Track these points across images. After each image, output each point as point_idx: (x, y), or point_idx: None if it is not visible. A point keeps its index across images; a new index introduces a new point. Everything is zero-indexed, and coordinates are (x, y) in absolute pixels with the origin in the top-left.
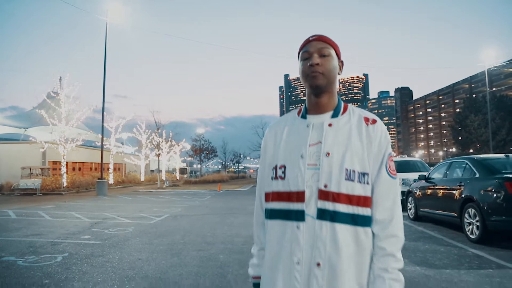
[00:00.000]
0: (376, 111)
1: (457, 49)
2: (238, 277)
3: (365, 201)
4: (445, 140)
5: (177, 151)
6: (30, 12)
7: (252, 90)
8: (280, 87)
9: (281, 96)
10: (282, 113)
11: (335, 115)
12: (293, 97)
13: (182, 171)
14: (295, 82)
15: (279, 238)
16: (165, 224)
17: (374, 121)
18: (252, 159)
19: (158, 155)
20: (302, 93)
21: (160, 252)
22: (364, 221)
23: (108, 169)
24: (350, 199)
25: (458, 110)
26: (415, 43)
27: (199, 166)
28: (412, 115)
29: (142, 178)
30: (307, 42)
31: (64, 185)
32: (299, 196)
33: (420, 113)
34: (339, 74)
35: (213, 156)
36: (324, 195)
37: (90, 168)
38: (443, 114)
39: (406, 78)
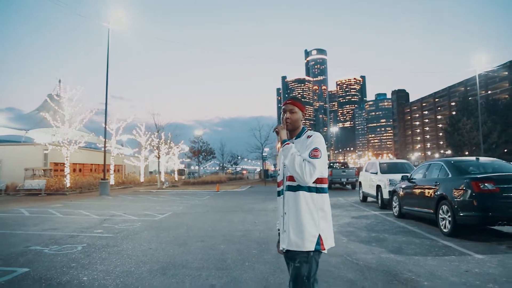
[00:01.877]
0: (373, 113)
1: (453, 52)
2: (237, 262)
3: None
4: (441, 143)
5: (176, 153)
6: (29, 15)
7: (249, 91)
8: (278, 89)
9: (279, 98)
10: (279, 114)
11: (297, 137)
12: None
13: (181, 172)
14: (292, 83)
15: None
16: (169, 220)
17: (310, 136)
18: (249, 160)
19: (158, 157)
20: (299, 95)
21: (167, 243)
22: (298, 188)
23: (109, 170)
24: (291, 178)
25: (454, 113)
26: (413, 45)
27: (197, 167)
28: (409, 117)
29: (142, 179)
30: (285, 103)
31: (67, 186)
32: (282, 182)
33: (417, 115)
34: (301, 119)
35: (211, 157)
36: (288, 178)
37: (90, 169)
38: (439, 117)
39: (403, 80)
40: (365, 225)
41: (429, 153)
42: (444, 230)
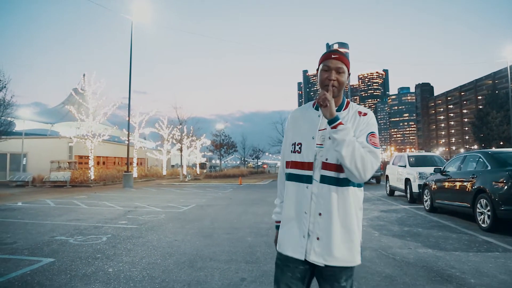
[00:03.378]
0: (396, 107)
1: (480, 44)
2: (267, 255)
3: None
4: (467, 137)
5: (198, 146)
6: (48, 11)
7: (270, 86)
8: (299, 83)
9: (300, 92)
10: None
11: (340, 109)
12: (311, 93)
13: (202, 165)
14: (314, 78)
15: (294, 194)
16: (193, 212)
17: (365, 114)
18: (271, 154)
19: (181, 150)
20: (319, 90)
21: (193, 235)
22: (344, 182)
23: (132, 163)
24: (338, 168)
25: (481, 106)
26: (437, 38)
27: (218, 161)
28: (433, 111)
29: (164, 172)
30: (329, 57)
31: (91, 178)
32: (309, 165)
33: (441, 109)
34: (346, 82)
35: (233, 151)
36: (325, 165)
37: (114, 162)
38: (465, 111)
39: (427, 74)
40: (396, 219)
41: (453, 147)
42: (483, 225)
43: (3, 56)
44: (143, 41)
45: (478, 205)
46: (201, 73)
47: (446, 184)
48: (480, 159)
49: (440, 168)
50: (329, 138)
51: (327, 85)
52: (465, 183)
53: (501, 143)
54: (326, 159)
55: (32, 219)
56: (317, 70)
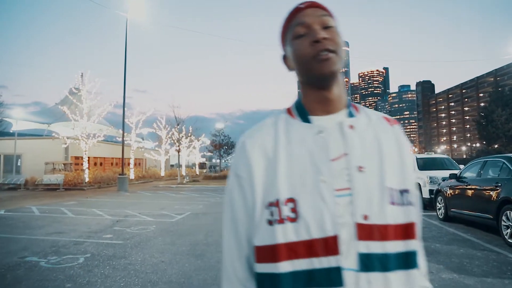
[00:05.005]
0: (396, 105)
1: (481, 42)
2: None
3: (414, 230)
4: (469, 135)
5: (197, 146)
6: (50, 8)
7: (271, 84)
8: (298, 82)
9: (299, 90)
10: None
11: (351, 114)
12: None
13: (202, 166)
14: None
15: None
16: (186, 222)
17: (396, 122)
18: None
19: (178, 151)
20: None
21: (183, 254)
22: (416, 260)
23: (128, 164)
24: (399, 232)
25: (482, 104)
26: (438, 36)
27: (218, 161)
28: (434, 109)
29: (162, 173)
30: (298, 10)
31: (86, 181)
32: (328, 245)
33: (443, 107)
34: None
35: (233, 151)
36: (366, 232)
37: (111, 163)
38: (466, 108)
39: (428, 72)
40: None
41: (455, 146)
42: (510, 240)
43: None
44: (145, 40)
45: (504, 218)
46: (202, 72)
47: (464, 191)
48: (504, 165)
49: (456, 174)
50: (360, 169)
51: (317, 54)
52: (487, 192)
53: (505, 140)
54: (365, 217)
55: (7, 233)
56: (284, 52)
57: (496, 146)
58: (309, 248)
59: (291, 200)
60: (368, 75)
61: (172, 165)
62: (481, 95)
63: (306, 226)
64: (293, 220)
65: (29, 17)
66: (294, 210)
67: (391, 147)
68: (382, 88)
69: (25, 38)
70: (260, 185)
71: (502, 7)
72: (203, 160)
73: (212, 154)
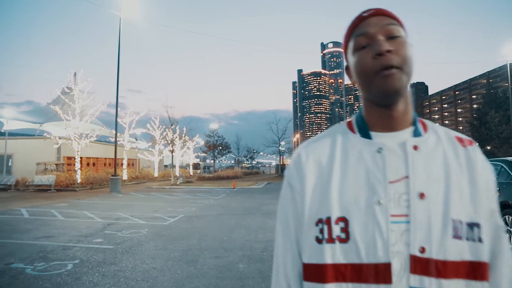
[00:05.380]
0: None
1: (474, 44)
2: None
3: (482, 271)
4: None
5: (191, 147)
6: (43, 7)
7: (265, 85)
8: (294, 82)
9: (294, 91)
10: (295, 108)
11: (417, 133)
12: (306, 92)
13: (196, 166)
14: (308, 77)
15: None
16: (179, 226)
17: (471, 142)
18: (266, 154)
19: (172, 151)
20: (315, 89)
21: (175, 259)
22: None
23: (122, 164)
24: (462, 270)
25: (475, 105)
26: (431, 38)
27: (212, 161)
28: (428, 110)
29: (156, 174)
30: (361, 19)
31: (78, 182)
32: (379, 272)
33: (436, 108)
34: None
35: (226, 152)
36: (421, 266)
37: (104, 164)
38: (459, 110)
39: (421, 73)
40: None
41: None
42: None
43: None
44: (139, 40)
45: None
46: (196, 72)
47: None
48: (502, 168)
49: None
50: (421, 196)
51: (380, 69)
52: None
53: (499, 142)
54: (422, 249)
55: None
56: (346, 64)
57: (489, 147)
58: (359, 272)
59: (343, 219)
60: None
61: (166, 166)
62: (474, 97)
63: (357, 249)
64: (343, 240)
65: (22, 17)
66: (345, 230)
67: (462, 172)
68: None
69: (19, 38)
70: (311, 200)
71: (495, 10)
72: (197, 160)
73: (206, 154)
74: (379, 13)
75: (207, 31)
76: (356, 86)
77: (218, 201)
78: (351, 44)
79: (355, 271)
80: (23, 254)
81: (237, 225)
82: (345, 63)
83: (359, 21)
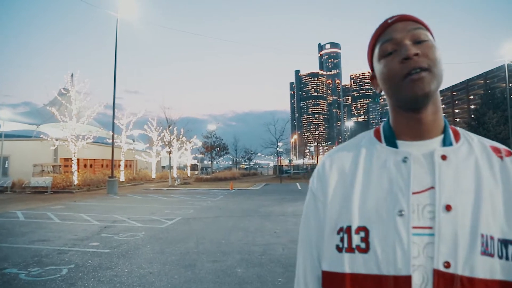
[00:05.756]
0: (388, 107)
1: (471, 44)
2: None
3: None
4: None
5: (188, 148)
6: (42, 8)
7: (263, 86)
8: (291, 83)
9: (292, 92)
10: (293, 109)
11: (447, 142)
12: (303, 93)
13: (193, 167)
14: (306, 78)
15: None
16: (177, 228)
17: (510, 153)
18: (264, 155)
19: (169, 153)
20: (312, 89)
21: (173, 263)
22: None
23: (119, 166)
24: None
25: (472, 106)
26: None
27: (209, 162)
28: None
29: (154, 175)
30: (387, 26)
31: (75, 183)
32: (398, 285)
33: None
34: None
35: (224, 153)
36: (445, 281)
37: (101, 165)
38: (457, 111)
39: None
40: None
41: None
42: None
43: None
44: (136, 41)
45: None
46: (194, 73)
47: None
48: None
49: None
50: (447, 209)
51: (408, 73)
52: None
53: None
54: (446, 264)
55: None
56: (371, 67)
57: None
58: (378, 284)
59: (363, 228)
60: (360, 77)
61: (163, 167)
62: (472, 97)
63: (377, 259)
64: (363, 251)
65: (20, 18)
66: (365, 240)
67: (497, 185)
68: (374, 90)
69: (16, 39)
70: (333, 208)
71: (493, 10)
72: (195, 162)
73: (203, 156)
74: (404, 18)
75: (205, 32)
76: (382, 94)
77: (215, 203)
78: (376, 52)
79: (374, 282)
80: (18, 258)
81: (235, 227)
82: (371, 73)
83: (384, 28)
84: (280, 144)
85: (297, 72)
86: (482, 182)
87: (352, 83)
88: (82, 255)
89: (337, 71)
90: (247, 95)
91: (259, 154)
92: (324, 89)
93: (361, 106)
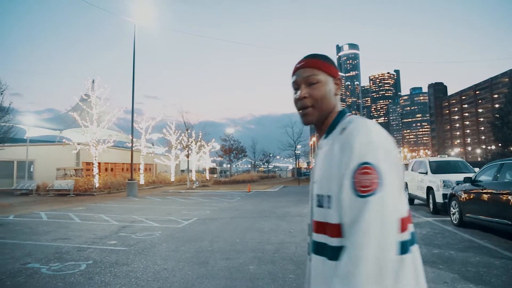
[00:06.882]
0: (408, 108)
1: (494, 42)
2: None
3: (333, 230)
4: (483, 137)
5: (207, 151)
6: (62, 18)
7: (281, 88)
8: None
9: None
10: None
11: (326, 135)
12: None
13: (212, 171)
14: None
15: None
16: (193, 228)
17: (343, 130)
18: (282, 158)
19: (188, 156)
20: None
21: (186, 261)
22: (333, 255)
23: (139, 169)
24: (321, 228)
25: (497, 105)
26: (449, 37)
27: (228, 165)
28: (447, 111)
29: (173, 179)
30: (295, 69)
31: (96, 186)
32: (310, 228)
33: (456, 109)
34: (336, 95)
35: (242, 156)
36: (315, 225)
37: (122, 169)
38: (480, 110)
39: (440, 73)
40: (421, 236)
41: (469, 148)
42: None
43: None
44: (154, 46)
45: None
46: (213, 77)
47: (480, 196)
48: None
49: (471, 178)
50: (314, 184)
51: (298, 109)
52: (504, 196)
53: None
54: (313, 216)
55: (13, 238)
56: None
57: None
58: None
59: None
60: (379, 78)
61: (182, 170)
62: (496, 96)
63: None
64: None
65: (42, 26)
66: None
67: (332, 157)
68: (393, 91)
69: (39, 49)
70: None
71: None
72: (214, 165)
73: (222, 159)
74: (304, 66)
75: (223, 36)
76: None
77: (232, 204)
78: (292, 81)
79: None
80: (40, 254)
81: (250, 227)
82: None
83: (295, 70)
84: (298, 146)
85: None
86: (325, 157)
87: (371, 84)
88: (100, 252)
89: (356, 72)
90: (265, 98)
91: (277, 157)
92: (343, 90)
93: (381, 108)
